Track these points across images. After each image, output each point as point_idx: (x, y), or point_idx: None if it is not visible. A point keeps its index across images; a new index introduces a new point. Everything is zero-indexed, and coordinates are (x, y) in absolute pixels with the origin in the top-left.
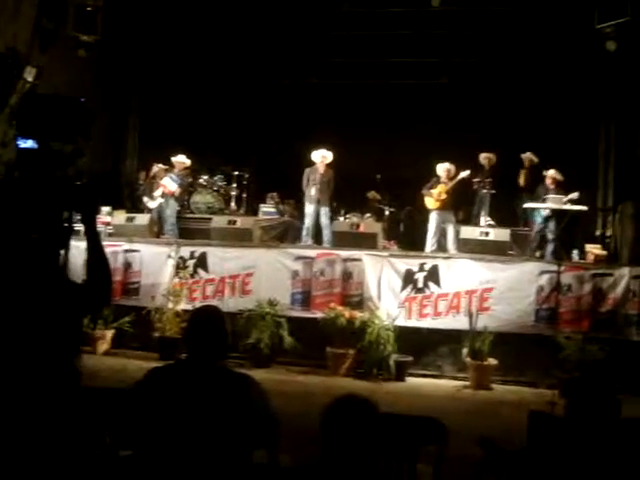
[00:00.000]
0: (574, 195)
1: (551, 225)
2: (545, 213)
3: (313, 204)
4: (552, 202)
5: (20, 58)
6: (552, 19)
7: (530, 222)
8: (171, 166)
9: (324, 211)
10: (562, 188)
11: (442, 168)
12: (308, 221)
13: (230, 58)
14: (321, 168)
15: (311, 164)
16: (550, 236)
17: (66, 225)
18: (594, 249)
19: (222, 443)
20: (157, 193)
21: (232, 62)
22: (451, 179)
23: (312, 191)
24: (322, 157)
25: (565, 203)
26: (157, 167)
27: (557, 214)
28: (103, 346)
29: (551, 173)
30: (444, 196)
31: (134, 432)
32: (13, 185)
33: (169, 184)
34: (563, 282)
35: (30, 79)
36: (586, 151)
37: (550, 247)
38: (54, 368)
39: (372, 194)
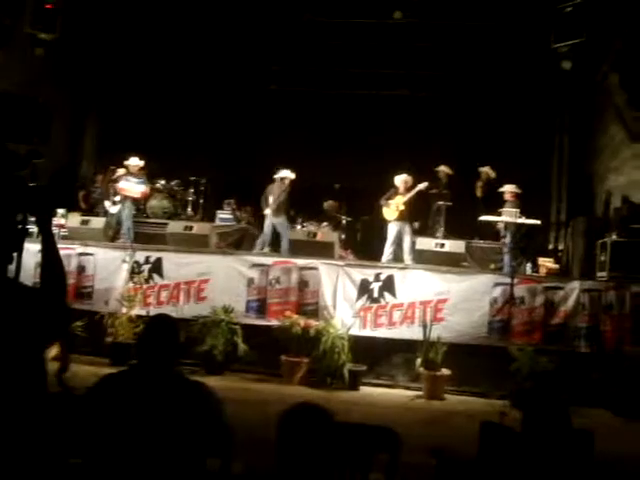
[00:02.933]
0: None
1: (508, 237)
2: (501, 226)
3: (272, 218)
4: (507, 215)
5: None
6: (511, 37)
7: (486, 234)
8: (127, 169)
9: (281, 220)
10: (520, 201)
11: (400, 179)
12: (267, 232)
13: (189, 64)
14: (282, 186)
15: (269, 173)
16: (506, 248)
17: (20, 227)
18: (547, 262)
19: (175, 450)
20: (117, 198)
21: (191, 68)
22: (408, 190)
23: (273, 205)
24: (285, 176)
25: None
26: (115, 170)
27: (514, 226)
28: (52, 350)
29: (509, 187)
30: (402, 207)
31: (85, 440)
32: None
33: (133, 188)
34: (516, 294)
35: None
36: (541, 166)
37: (505, 259)
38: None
39: (329, 203)
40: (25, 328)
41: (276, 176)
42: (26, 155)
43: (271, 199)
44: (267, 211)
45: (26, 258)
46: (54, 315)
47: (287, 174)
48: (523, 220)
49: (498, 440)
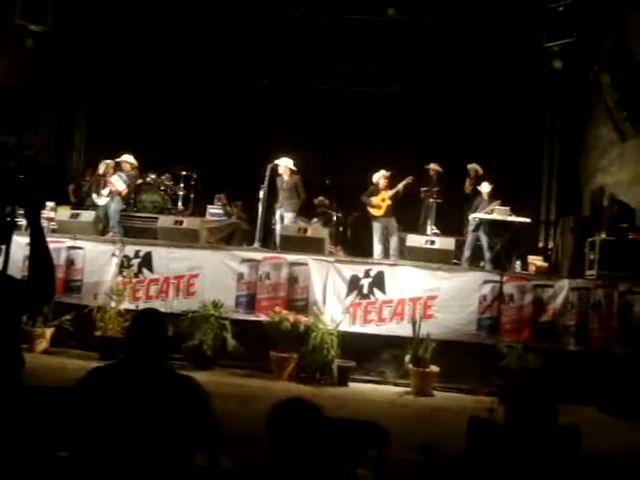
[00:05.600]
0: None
1: (482, 234)
2: (475, 222)
3: (278, 210)
4: (498, 213)
5: None
6: (503, 36)
7: (466, 231)
8: (119, 164)
9: (289, 216)
10: (494, 198)
11: (379, 175)
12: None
13: (180, 58)
14: (285, 175)
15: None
16: (485, 245)
17: (8, 220)
18: (536, 260)
19: (162, 444)
20: (105, 191)
21: (182, 62)
22: (390, 186)
23: (279, 198)
24: (285, 165)
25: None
26: (105, 164)
27: (491, 224)
28: (42, 344)
29: (484, 186)
30: (388, 202)
31: (72, 433)
32: None
33: (117, 183)
34: (505, 292)
35: None
36: (531, 164)
37: (487, 256)
38: None
39: (320, 199)
40: (9, 319)
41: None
42: (15, 147)
43: (279, 196)
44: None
45: (15, 251)
46: (40, 307)
47: (285, 162)
48: (513, 218)
49: (486, 436)
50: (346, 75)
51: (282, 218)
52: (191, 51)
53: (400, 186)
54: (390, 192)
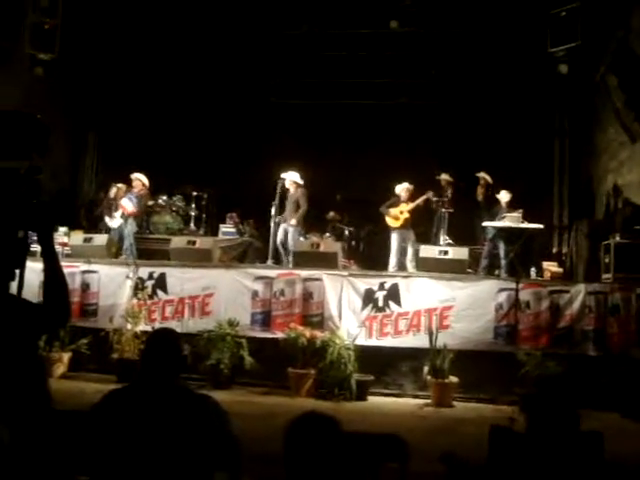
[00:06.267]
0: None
1: (500, 243)
2: (492, 231)
3: (282, 224)
4: (510, 220)
5: None
6: (508, 43)
7: (482, 240)
8: (130, 185)
9: (290, 230)
10: (513, 207)
11: (402, 188)
12: (278, 239)
13: (189, 78)
14: (291, 189)
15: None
16: (501, 253)
17: (22, 244)
18: (551, 266)
19: (182, 465)
20: (117, 213)
21: (191, 82)
22: (412, 199)
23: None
24: (291, 178)
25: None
26: (116, 187)
27: (507, 232)
28: (60, 369)
29: (502, 195)
30: (406, 215)
31: (92, 456)
32: None
33: (127, 205)
34: (521, 299)
35: None
36: (541, 170)
37: (503, 264)
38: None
39: (331, 215)
40: (26, 343)
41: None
42: (26, 172)
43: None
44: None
45: (30, 277)
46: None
47: (291, 176)
48: (526, 225)
49: (508, 445)
50: (353, 89)
51: (286, 232)
52: (199, 72)
53: (420, 201)
54: (410, 205)
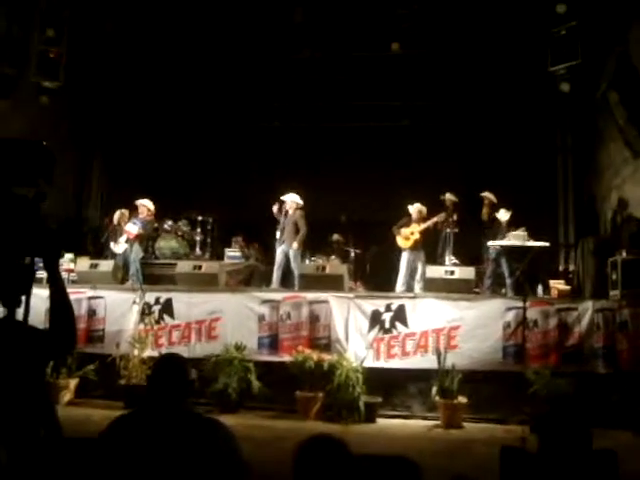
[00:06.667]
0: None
1: (503, 262)
2: (495, 250)
3: (280, 246)
4: (515, 239)
5: None
6: (508, 62)
7: (486, 259)
8: (135, 210)
9: (291, 253)
10: (515, 226)
11: (414, 208)
12: (277, 263)
13: (192, 104)
14: (290, 210)
15: (271, 207)
16: (505, 273)
17: (28, 270)
18: (557, 284)
19: None
20: (122, 239)
21: (194, 108)
22: (423, 220)
23: (281, 234)
24: (291, 201)
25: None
26: (120, 212)
27: (511, 251)
28: (67, 396)
29: (502, 214)
30: (416, 236)
31: None
32: None
33: (131, 229)
34: (529, 318)
35: None
36: (545, 188)
37: (508, 283)
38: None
39: (336, 237)
40: (33, 369)
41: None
42: (33, 198)
43: (279, 232)
44: (278, 234)
45: (37, 303)
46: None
47: (292, 197)
48: (531, 243)
49: (519, 465)
50: (355, 111)
51: (286, 255)
52: (202, 98)
53: (430, 223)
54: (421, 226)
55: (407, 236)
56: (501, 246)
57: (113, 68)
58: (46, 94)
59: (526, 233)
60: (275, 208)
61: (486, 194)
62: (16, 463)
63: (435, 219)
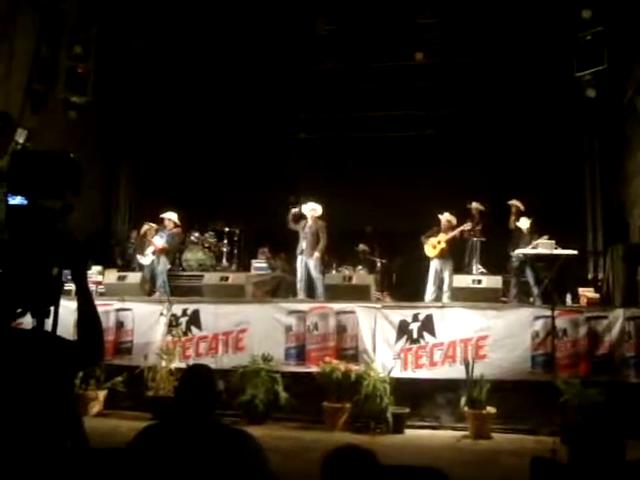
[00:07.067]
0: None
1: (528, 270)
2: (519, 259)
3: (300, 256)
4: (543, 247)
5: (12, 120)
6: (534, 69)
7: (510, 268)
8: (162, 223)
9: (312, 263)
10: (536, 233)
11: (443, 218)
12: (299, 274)
13: (219, 115)
14: (310, 220)
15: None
16: (531, 281)
17: (56, 282)
18: (587, 292)
19: None
20: (149, 250)
21: (222, 119)
22: (451, 229)
23: (302, 244)
24: (310, 210)
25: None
26: (148, 225)
27: (533, 259)
28: (95, 407)
29: (522, 222)
30: (443, 245)
31: None
32: (2, 244)
33: (157, 242)
34: (558, 326)
35: (21, 141)
36: (574, 196)
37: (535, 292)
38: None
39: (361, 247)
40: (61, 379)
41: (304, 210)
42: (59, 210)
43: (302, 242)
44: (301, 244)
45: (65, 316)
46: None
47: (313, 206)
48: (560, 251)
49: (550, 477)
50: (380, 121)
51: (306, 265)
52: (230, 110)
53: (457, 232)
54: (447, 235)
55: (434, 245)
56: (525, 254)
57: (140, 82)
58: (74, 109)
59: (553, 241)
60: (291, 218)
61: (513, 202)
62: (43, 473)
63: (461, 228)
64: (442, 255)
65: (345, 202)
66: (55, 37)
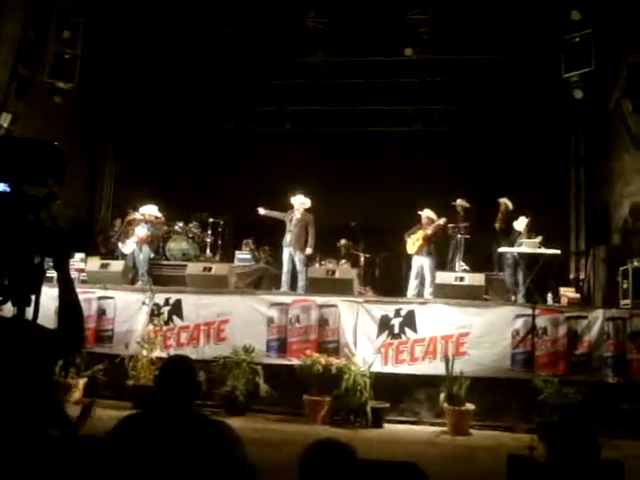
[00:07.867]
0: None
1: (519, 269)
2: (513, 258)
3: (286, 248)
4: (527, 246)
5: None
6: (522, 69)
7: (504, 266)
8: (144, 217)
9: (299, 257)
10: (534, 233)
11: (424, 214)
12: (285, 266)
13: (205, 105)
14: (298, 213)
15: (282, 210)
16: (520, 280)
17: (37, 270)
18: (568, 292)
19: None
20: (131, 239)
21: (207, 109)
22: (430, 225)
23: (287, 236)
24: (299, 203)
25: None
26: (133, 214)
27: (526, 258)
28: (75, 395)
29: (520, 221)
30: (421, 241)
31: None
32: None
33: (140, 231)
34: (538, 325)
35: (5, 125)
36: (558, 196)
37: (521, 290)
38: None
39: (343, 242)
40: (40, 367)
41: (292, 202)
42: (43, 198)
43: (288, 235)
44: (287, 237)
45: (47, 303)
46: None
47: (302, 199)
48: (543, 250)
49: (527, 475)
50: (368, 116)
51: (292, 258)
52: (214, 100)
53: (431, 229)
54: (426, 231)
55: (413, 242)
56: (514, 253)
57: (126, 71)
58: (59, 95)
59: (538, 240)
60: (262, 210)
61: (503, 200)
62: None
63: (438, 222)
64: (420, 252)
65: (329, 195)
66: (44, 21)
